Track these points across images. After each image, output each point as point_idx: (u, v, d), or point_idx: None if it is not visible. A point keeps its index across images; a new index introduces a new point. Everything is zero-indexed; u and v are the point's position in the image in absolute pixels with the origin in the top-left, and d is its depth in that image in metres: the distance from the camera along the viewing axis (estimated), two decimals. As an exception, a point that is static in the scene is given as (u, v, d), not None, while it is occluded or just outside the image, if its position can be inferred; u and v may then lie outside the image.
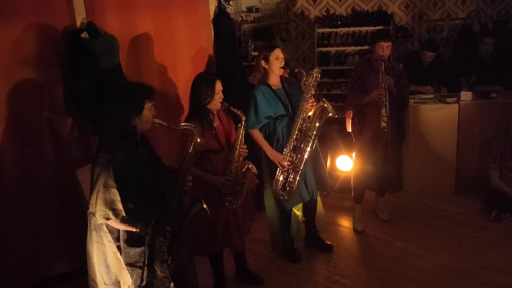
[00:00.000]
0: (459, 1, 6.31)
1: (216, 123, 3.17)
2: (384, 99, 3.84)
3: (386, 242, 4.04)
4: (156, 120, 2.55)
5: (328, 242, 3.98)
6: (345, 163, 4.92)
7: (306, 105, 3.47)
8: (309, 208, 3.89)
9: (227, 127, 3.23)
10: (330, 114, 3.46)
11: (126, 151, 2.39)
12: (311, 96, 3.49)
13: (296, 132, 3.50)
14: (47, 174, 3.36)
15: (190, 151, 2.65)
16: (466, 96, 4.74)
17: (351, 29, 6.37)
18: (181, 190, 2.59)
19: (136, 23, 3.74)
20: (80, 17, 3.39)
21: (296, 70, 3.65)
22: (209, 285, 3.47)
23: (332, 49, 6.43)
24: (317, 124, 3.48)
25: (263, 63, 3.53)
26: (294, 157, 3.50)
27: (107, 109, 2.51)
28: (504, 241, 3.95)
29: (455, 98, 4.76)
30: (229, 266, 3.55)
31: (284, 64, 3.55)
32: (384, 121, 3.86)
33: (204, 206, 2.61)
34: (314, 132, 3.49)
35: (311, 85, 3.48)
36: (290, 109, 3.56)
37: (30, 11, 3.15)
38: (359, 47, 6.26)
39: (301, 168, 3.51)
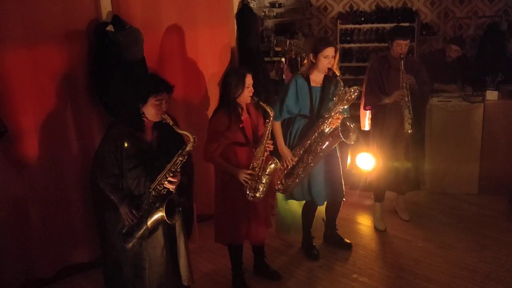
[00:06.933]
0: (486, -2, 6.18)
1: (245, 116, 3.16)
2: (406, 100, 3.76)
3: (406, 241, 3.99)
4: (164, 116, 2.57)
5: (347, 241, 3.94)
6: (366, 161, 4.86)
7: (330, 119, 3.34)
8: (331, 209, 3.86)
9: (256, 121, 3.22)
10: (347, 141, 3.28)
11: (120, 131, 2.57)
12: (338, 112, 3.33)
13: (309, 141, 3.40)
14: (71, 163, 3.43)
15: (181, 156, 2.58)
16: (492, 95, 4.65)
17: (375, 25, 6.29)
18: (157, 187, 2.59)
19: (161, 18, 3.77)
20: (106, 10, 3.44)
21: (337, 78, 3.39)
22: (228, 279, 3.49)
23: (355, 46, 6.36)
24: (327, 143, 3.33)
25: (311, 56, 3.42)
26: (299, 162, 3.44)
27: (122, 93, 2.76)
28: (529, 245, 3.87)
29: (481, 98, 4.67)
30: (247, 261, 3.55)
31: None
32: (409, 123, 3.76)
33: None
34: (323, 149, 3.34)
35: (344, 100, 3.27)
36: (315, 112, 3.46)
37: (57, 5, 3.20)
38: (382, 44, 6.18)
39: (301, 174, 3.45)
